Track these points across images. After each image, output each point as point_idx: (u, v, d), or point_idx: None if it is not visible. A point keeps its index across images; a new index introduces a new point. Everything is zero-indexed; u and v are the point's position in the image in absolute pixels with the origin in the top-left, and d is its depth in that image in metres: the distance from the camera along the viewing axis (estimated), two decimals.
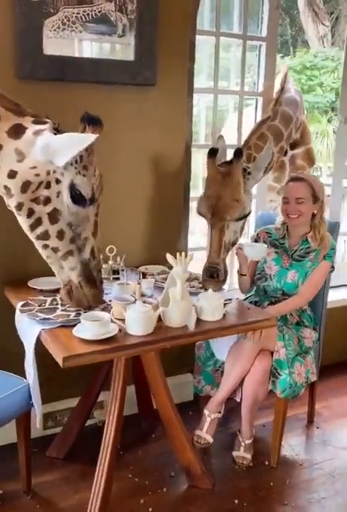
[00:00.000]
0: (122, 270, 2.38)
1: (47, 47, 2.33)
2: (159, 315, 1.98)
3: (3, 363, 2.27)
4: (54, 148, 1.77)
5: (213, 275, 2.40)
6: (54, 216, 1.85)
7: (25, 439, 2.20)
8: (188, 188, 2.85)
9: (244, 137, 2.76)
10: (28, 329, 2.02)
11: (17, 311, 2.13)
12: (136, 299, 2.04)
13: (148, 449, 2.60)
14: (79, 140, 1.78)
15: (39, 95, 2.29)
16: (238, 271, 2.66)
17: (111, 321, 1.94)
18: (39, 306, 2.12)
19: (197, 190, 3.33)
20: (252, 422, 2.50)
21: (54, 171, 1.82)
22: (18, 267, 2.44)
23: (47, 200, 1.84)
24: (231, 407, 2.65)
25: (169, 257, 1.99)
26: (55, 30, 2.33)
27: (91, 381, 2.51)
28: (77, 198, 1.85)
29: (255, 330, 2.23)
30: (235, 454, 2.51)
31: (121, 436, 2.16)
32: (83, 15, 2.38)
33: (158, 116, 2.65)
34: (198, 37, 2.74)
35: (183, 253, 1.99)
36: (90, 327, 1.85)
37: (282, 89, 2.89)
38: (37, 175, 1.81)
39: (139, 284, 2.14)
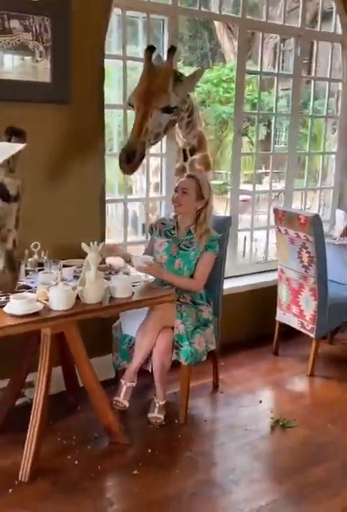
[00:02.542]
0: (46, 262, 2.75)
1: None
2: (78, 294, 2.38)
3: None
4: None
5: (130, 157, 2.75)
6: None
7: None
8: (104, 191, 3.26)
9: None
10: None
11: None
12: (57, 283, 2.44)
13: (75, 418, 2.97)
14: (10, 147, 2.17)
15: None
16: None
17: (37, 301, 2.32)
18: None
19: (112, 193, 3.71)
20: (163, 385, 2.92)
21: None
22: None
23: None
24: (146, 383, 3.06)
25: (84, 245, 2.40)
26: None
27: (16, 365, 2.83)
28: (4, 195, 2.23)
29: (158, 304, 2.68)
30: (150, 415, 2.93)
31: (51, 409, 2.53)
32: (4, 43, 2.76)
33: (74, 129, 3.05)
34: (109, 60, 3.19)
35: (95, 242, 2.41)
36: (19, 304, 2.23)
37: None
38: None
39: (60, 270, 2.53)
